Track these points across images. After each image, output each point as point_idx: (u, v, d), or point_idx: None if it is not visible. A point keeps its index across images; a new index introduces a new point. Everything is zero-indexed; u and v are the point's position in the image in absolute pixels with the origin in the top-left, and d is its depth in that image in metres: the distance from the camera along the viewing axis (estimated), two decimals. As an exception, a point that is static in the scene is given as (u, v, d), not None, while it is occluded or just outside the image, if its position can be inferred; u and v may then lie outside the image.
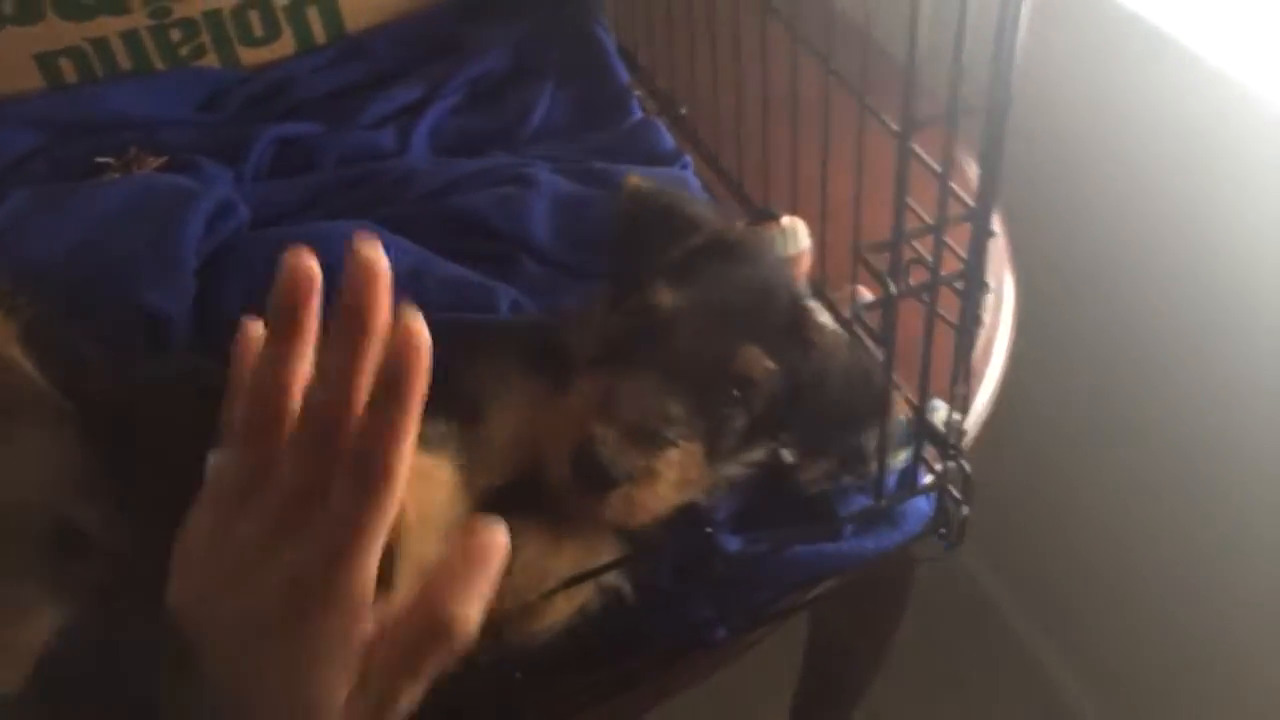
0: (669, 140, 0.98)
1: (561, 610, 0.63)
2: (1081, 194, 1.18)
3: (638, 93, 1.05)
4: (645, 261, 0.68)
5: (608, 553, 0.65)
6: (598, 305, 0.72)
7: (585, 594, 0.64)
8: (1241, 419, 1.09)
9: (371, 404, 0.42)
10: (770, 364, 0.64)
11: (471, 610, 0.43)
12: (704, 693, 0.78)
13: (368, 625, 0.43)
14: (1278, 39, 0.93)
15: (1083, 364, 1.29)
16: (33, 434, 0.60)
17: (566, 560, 0.63)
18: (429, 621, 0.43)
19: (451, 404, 0.63)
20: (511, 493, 0.64)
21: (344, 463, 0.42)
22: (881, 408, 0.66)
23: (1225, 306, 1.06)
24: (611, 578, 0.65)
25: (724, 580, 0.68)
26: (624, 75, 1.06)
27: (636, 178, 0.73)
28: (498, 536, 0.45)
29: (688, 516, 0.70)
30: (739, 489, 0.72)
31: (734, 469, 0.70)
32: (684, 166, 0.96)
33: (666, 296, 0.65)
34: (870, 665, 1.08)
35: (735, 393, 0.64)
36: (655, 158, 0.97)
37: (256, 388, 0.43)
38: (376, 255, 0.42)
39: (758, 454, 0.70)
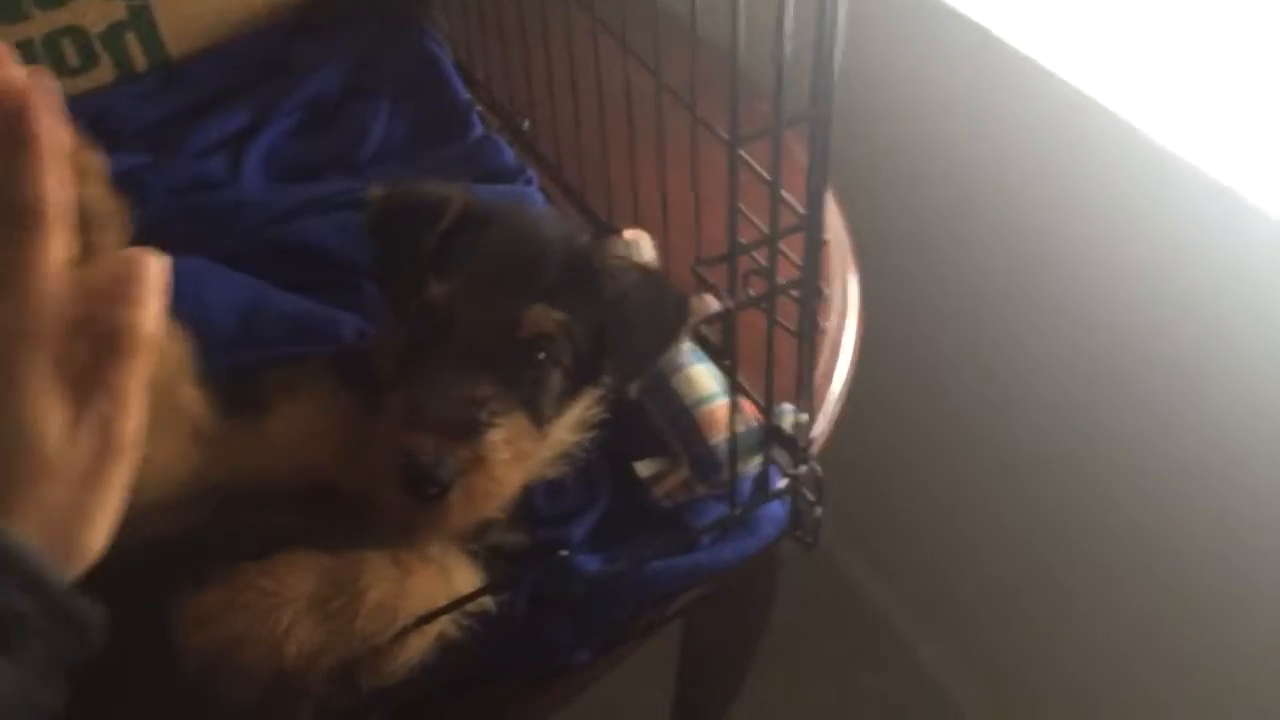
0: (510, 156, 0.97)
1: (417, 647, 0.62)
2: (922, 192, 1.22)
3: (478, 108, 1.04)
4: (409, 262, 0.67)
5: (462, 577, 0.64)
6: (386, 322, 0.71)
7: (441, 627, 0.63)
8: (1077, 399, 1.15)
9: None
10: (558, 314, 0.64)
11: (147, 325, 0.44)
12: (582, 709, 0.77)
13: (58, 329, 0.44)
14: (1105, 36, 0.97)
15: (931, 355, 1.33)
16: None
17: (419, 592, 0.62)
18: (110, 340, 0.44)
19: (232, 399, 0.65)
20: (347, 527, 0.64)
21: None
22: (683, 311, 0.67)
23: (1063, 296, 1.11)
24: (467, 609, 0.64)
25: (583, 602, 0.67)
26: (463, 91, 1.04)
27: (379, 188, 0.71)
28: (148, 258, 0.46)
29: (542, 539, 0.70)
30: (591, 484, 0.72)
31: (575, 435, 0.70)
32: (528, 181, 0.95)
33: (437, 287, 0.64)
34: (743, 664, 1.09)
35: (538, 354, 0.64)
36: (498, 174, 0.96)
37: None
38: None
39: (592, 411, 0.70)
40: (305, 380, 0.69)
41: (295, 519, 0.65)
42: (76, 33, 0.99)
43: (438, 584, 0.63)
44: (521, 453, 0.64)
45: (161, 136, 0.99)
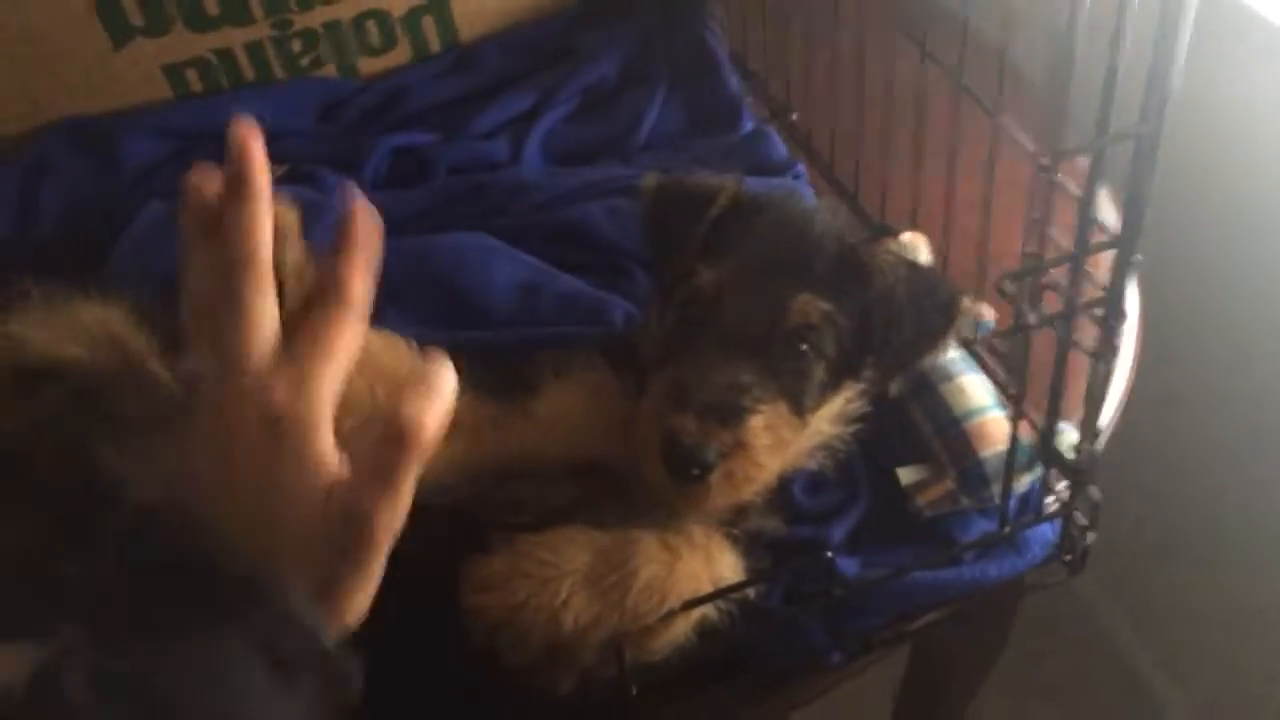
0: (781, 149, 0.97)
1: (680, 628, 0.64)
2: (1210, 214, 1.14)
3: (749, 99, 1.04)
4: (679, 249, 0.68)
5: (726, 563, 0.65)
6: (654, 308, 0.73)
7: (703, 610, 0.64)
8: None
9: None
10: (825, 304, 0.64)
11: (428, 418, 0.47)
12: (803, 714, 0.77)
13: (328, 435, 0.48)
14: None
15: (1203, 385, 1.25)
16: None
17: (686, 574, 0.63)
18: (389, 426, 0.47)
19: (506, 382, 0.68)
20: (615, 504, 0.66)
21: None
22: (952, 311, 0.66)
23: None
24: (726, 603, 0.65)
25: (840, 604, 0.67)
26: (735, 82, 1.05)
27: (653, 177, 0.73)
28: (446, 364, 0.49)
29: (802, 535, 0.70)
30: (851, 484, 0.72)
31: (835, 428, 0.70)
32: (796, 176, 0.95)
33: (705, 274, 0.65)
34: (972, 686, 1.06)
35: (801, 344, 0.64)
36: (767, 167, 0.96)
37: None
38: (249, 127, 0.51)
39: (855, 404, 0.70)
40: (574, 363, 0.71)
41: (570, 492, 0.68)
42: (380, 16, 1.06)
43: (703, 568, 0.64)
44: (781, 440, 0.65)
45: (450, 116, 1.04)
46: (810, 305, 0.64)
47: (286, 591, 0.46)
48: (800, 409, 0.65)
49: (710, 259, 0.66)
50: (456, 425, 0.65)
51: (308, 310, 0.50)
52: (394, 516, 0.48)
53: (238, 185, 0.50)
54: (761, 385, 0.63)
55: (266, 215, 0.50)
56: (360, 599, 0.49)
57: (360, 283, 0.50)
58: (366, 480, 0.47)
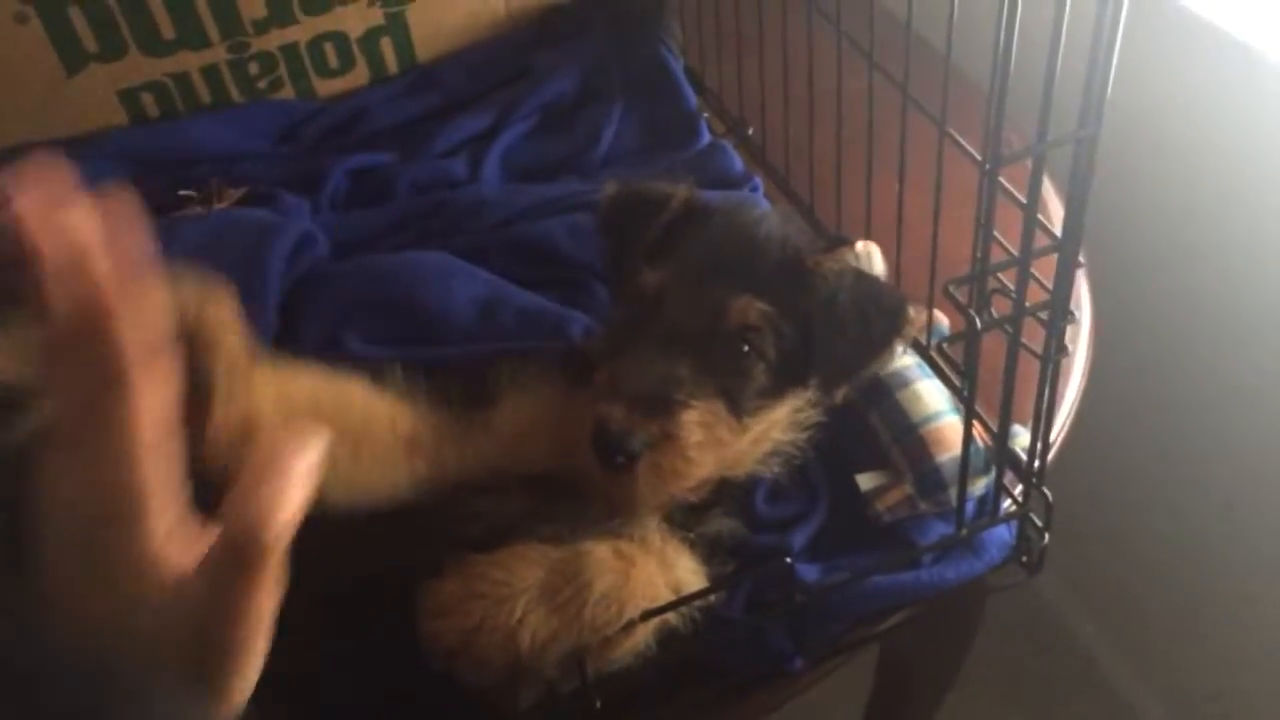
0: (738, 163, 0.99)
1: (640, 636, 0.64)
2: (1157, 216, 1.16)
3: (705, 115, 1.05)
4: (631, 252, 0.69)
5: (683, 567, 0.66)
6: (610, 314, 0.74)
7: (664, 618, 0.65)
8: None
9: None
10: (764, 306, 0.65)
11: (278, 526, 0.40)
12: (770, 717, 0.78)
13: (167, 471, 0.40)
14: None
15: (1155, 383, 1.27)
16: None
17: (642, 582, 0.63)
18: (236, 544, 0.40)
19: (464, 392, 0.68)
20: (569, 515, 0.66)
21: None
22: (897, 321, 0.66)
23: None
24: (688, 608, 0.65)
25: (802, 610, 0.68)
26: (692, 98, 1.06)
27: (613, 183, 0.74)
28: (308, 444, 0.42)
29: (763, 543, 0.71)
30: (810, 492, 0.72)
31: (787, 435, 0.70)
32: (754, 189, 0.97)
33: (650, 275, 0.66)
34: (940, 688, 1.07)
35: (742, 345, 0.65)
36: (724, 180, 0.97)
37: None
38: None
39: (806, 412, 0.70)
40: (531, 376, 0.72)
41: (522, 502, 0.68)
42: (338, 37, 1.06)
43: (659, 573, 0.64)
44: (716, 439, 0.65)
45: (408, 136, 1.04)
46: (750, 306, 0.65)
47: (156, 685, 0.40)
48: (738, 409, 0.66)
49: (657, 260, 0.67)
50: (415, 443, 0.66)
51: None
52: (259, 611, 0.42)
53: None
54: (697, 381, 0.64)
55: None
56: (244, 680, 0.43)
57: (129, 336, 0.39)
58: (212, 602, 0.41)
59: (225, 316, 0.57)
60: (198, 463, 0.45)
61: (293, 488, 0.41)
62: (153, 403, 0.39)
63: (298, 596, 0.45)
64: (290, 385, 0.61)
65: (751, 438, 0.68)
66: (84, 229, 0.38)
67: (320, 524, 0.58)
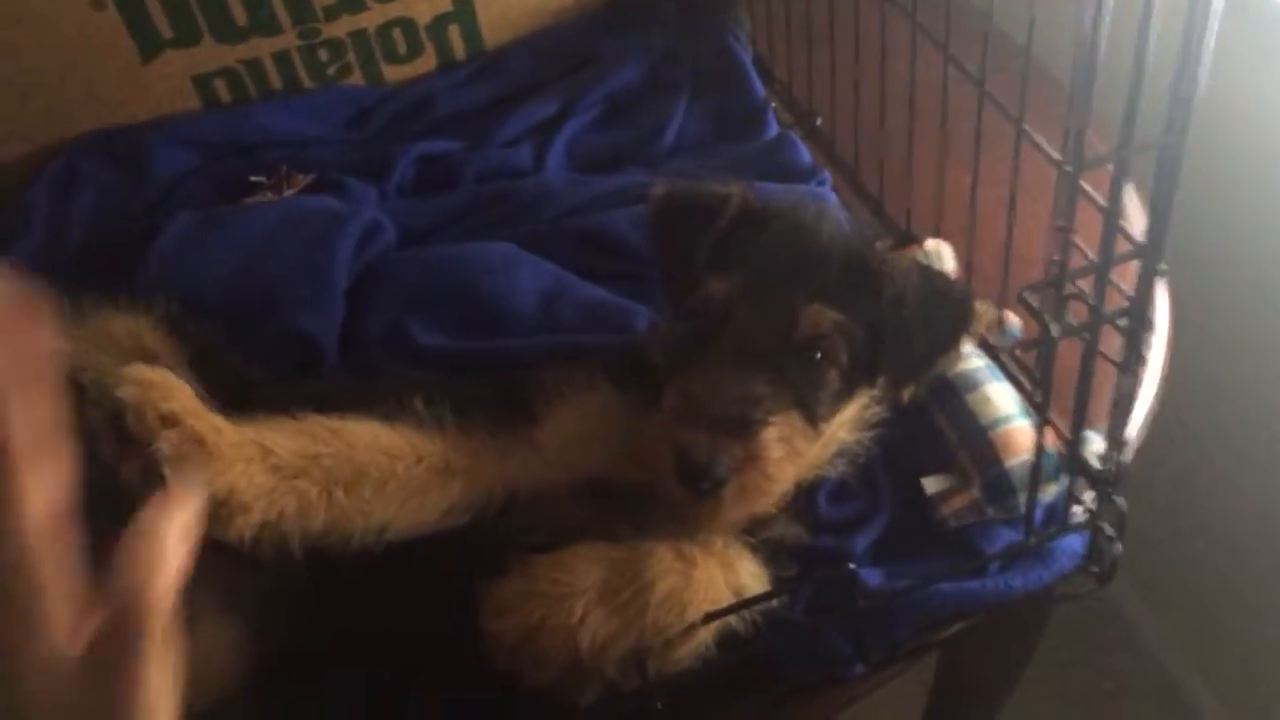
0: (806, 155, 0.97)
1: (702, 638, 0.63)
2: (1238, 221, 1.13)
3: (773, 105, 1.04)
4: (688, 259, 0.67)
5: (744, 569, 0.65)
6: (666, 318, 0.72)
7: (725, 621, 0.64)
8: None
9: None
10: (835, 314, 0.64)
11: (159, 583, 0.41)
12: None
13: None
14: None
15: (1231, 391, 1.23)
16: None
17: (704, 583, 0.63)
18: (124, 611, 0.42)
19: (503, 405, 0.67)
20: (627, 521, 0.66)
21: None
22: (964, 317, 0.65)
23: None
24: (750, 610, 0.65)
25: (864, 615, 0.67)
26: (760, 88, 1.05)
27: (661, 185, 0.72)
28: (177, 506, 0.43)
29: (825, 546, 0.70)
30: (874, 494, 0.72)
31: (853, 434, 0.69)
32: (821, 182, 0.95)
33: (715, 285, 0.65)
34: (1000, 696, 1.05)
35: (815, 354, 0.64)
36: (792, 173, 0.96)
37: None
38: None
39: (871, 411, 0.69)
40: (576, 384, 0.70)
41: (581, 511, 0.67)
42: (406, 24, 1.07)
43: (720, 575, 0.64)
44: (795, 451, 0.64)
45: (474, 124, 1.05)
46: (821, 315, 0.64)
47: None
48: (814, 418, 0.65)
49: (719, 269, 0.66)
50: (448, 470, 0.66)
51: None
52: (150, 690, 0.42)
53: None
54: (774, 397, 0.63)
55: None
56: None
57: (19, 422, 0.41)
58: (104, 667, 0.42)
59: (181, 404, 0.57)
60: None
61: (169, 551, 0.42)
62: (45, 491, 0.41)
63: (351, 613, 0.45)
64: (275, 444, 0.60)
65: (823, 441, 0.67)
66: None
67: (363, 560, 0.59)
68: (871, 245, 0.68)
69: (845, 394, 0.67)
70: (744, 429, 0.62)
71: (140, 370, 0.58)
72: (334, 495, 0.60)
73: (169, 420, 0.56)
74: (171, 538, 0.42)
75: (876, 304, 0.65)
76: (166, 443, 0.56)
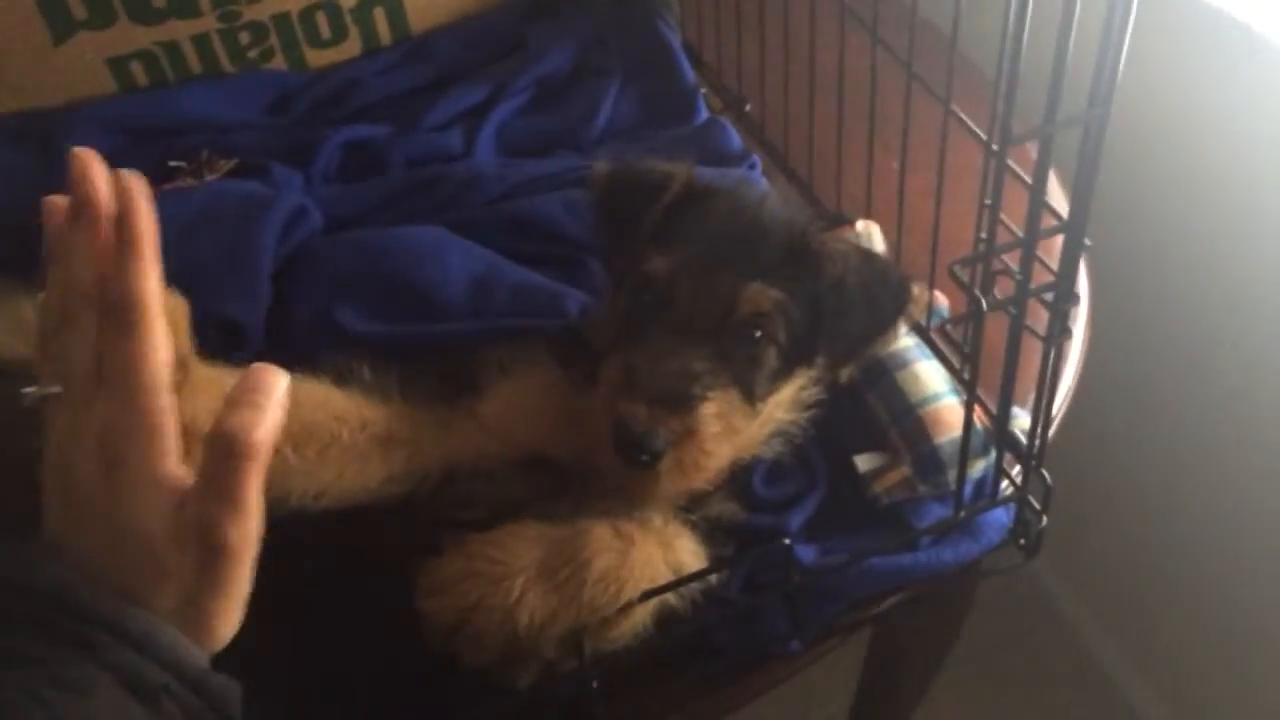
0: (737, 140, 0.98)
1: (639, 616, 0.63)
2: (1155, 199, 1.16)
3: (703, 90, 1.04)
4: (631, 236, 0.68)
5: (682, 547, 0.66)
6: (607, 295, 0.72)
7: (663, 599, 0.64)
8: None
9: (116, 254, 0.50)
10: (776, 293, 0.64)
11: (254, 428, 0.47)
12: (763, 705, 0.78)
13: (170, 445, 0.49)
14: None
15: (1151, 366, 1.27)
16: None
17: (641, 562, 0.63)
18: (215, 440, 0.47)
19: (447, 384, 0.68)
20: (566, 497, 0.66)
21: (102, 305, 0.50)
22: (903, 299, 0.66)
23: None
24: (687, 588, 0.65)
25: (799, 591, 0.68)
26: (690, 73, 1.05)
27: (604, 164, 0.72)
28: (270, 373, 0.49)
29: (760, 524, 0.70)
30: (808, 473, 0.72)
31: (790, 414, 0.70)
32: (751, 166, 0.96)
33: (658, 261, 0.65)
34: (930, 669, 1.07)
35: (755, 332, 0.65)
36: (722, 158, 0.96)
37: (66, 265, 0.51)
38: (87, 153, 0.51)
39: (808, 391, 0.70)
40: (519, 360, 0.71)
41: (521, 486, 0.67)
42: (330, 7, 1.05)
43: (658, 554, 0.64)
44: (732, 428, 0.65)
45: (402, 109, 1.03)
46: (762, 294, 0.64)
47: (143, 617, 0.46)
48: (752, 396, 0.66)
49: (662, 246, 0.66)
50: (391, 439, 0.65)
51: (104, 329, 0.49)
52: (244, 530, 0.48)
53: (79, 212, 0.50)
54: (713, 373, 0.64)
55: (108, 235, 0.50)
56: (226, 620, 0.49)
57: (150, 289, 0.49)
58: (208, 495, 0.47)
59: (179, 315, 0.57)
60: None
61: (270, 406, 0.48)
62: (162, 348, 0.49)
63: (290, 581, 0.47)
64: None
65: (760, 420, 0.67)
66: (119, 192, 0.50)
67: (301, 520, 0.59)
68: (811, 226, 0.69)
69: (783, 373, 0.68)
70: (682, 403, 0.62)
71: None
72: (281, 449, 0.60)
73: None
74: (275, 395, 0.48)
75: (816, 284, 0.66)
76: None
